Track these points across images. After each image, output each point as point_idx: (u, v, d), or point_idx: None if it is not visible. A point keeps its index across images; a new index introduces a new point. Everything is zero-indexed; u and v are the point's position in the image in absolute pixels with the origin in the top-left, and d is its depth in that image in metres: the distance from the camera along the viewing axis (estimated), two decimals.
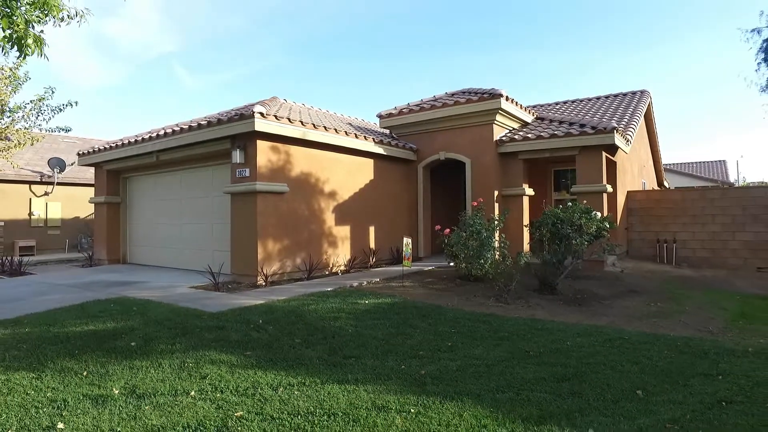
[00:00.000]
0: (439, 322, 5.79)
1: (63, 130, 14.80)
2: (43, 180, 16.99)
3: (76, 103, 13.49)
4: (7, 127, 12.32)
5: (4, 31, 3.16)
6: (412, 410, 3.41)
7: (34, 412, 3.37)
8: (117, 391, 3.71)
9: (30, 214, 16.98)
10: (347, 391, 3.75)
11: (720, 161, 35.66)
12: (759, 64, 10.12)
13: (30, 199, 16.95)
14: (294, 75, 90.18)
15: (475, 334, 5.36)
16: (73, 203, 18.05)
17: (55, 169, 17.10)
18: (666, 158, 53.81)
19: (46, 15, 3.85)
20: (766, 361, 4.42)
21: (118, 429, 3.15)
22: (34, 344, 4.75)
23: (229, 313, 5.97)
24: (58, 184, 17.36)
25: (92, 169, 16.61)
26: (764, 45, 9.73)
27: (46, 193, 17.29)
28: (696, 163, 35.60)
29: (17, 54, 3.42)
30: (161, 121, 76.88)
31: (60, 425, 3.19)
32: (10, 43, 3.31)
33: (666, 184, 22.37)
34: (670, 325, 6.14)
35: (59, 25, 4.24)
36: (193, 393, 3.71)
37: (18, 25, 3.54)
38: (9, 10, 3.21)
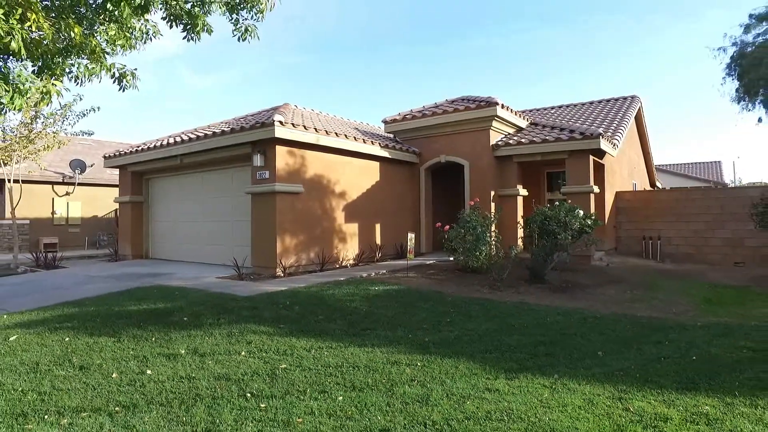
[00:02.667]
0: (439, 305, 6.73)
1: (86, 133, 15.80)
2: (65, 181, 17.96)
3: (99, 108, 14.45)
4: (40, 132, 13.26)
5: (108, 69, 4.08)
6: (419, 364, 4.36)
7: (125, 364, 4.33)
8: (183, 351, 4.67)
9: (53, 212, 17.98)
10: (366, 351, 4.70)
11: (715, 162, 36.34)
12: (724, 78, 11.06)
13: (53, 198, 17.95)
14: (293, 76, 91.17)
15: (470, 313, 6.31)
16: (92, 202, 19.05)
17: (76, 171, 18.08)
18: (665, 159, 54.62)
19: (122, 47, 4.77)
20: (708, 332, 5.36)
21: (192, 375, 4.10)
22: (104, 318, 5.71)
23: (258, 297, 6.92)
24: (79, 184, 18.33)
25: (109, 170, 17.65)
26: (729, 62, 10.66)
27: (68, 193, 18.27)
28: (691, 164, 36.25)
29: (118, 87, 4.33)
30: (166, 121, 77.69)
31: (148, 371, 4.15)
32: (114, 79, 4.22)
33: (658, 184, 23.20)
34: (640, 308, 7.07)
35: (126, 54, 5.17)
36: (243, 353, 4.66)
37: (99, 57, 4.46)
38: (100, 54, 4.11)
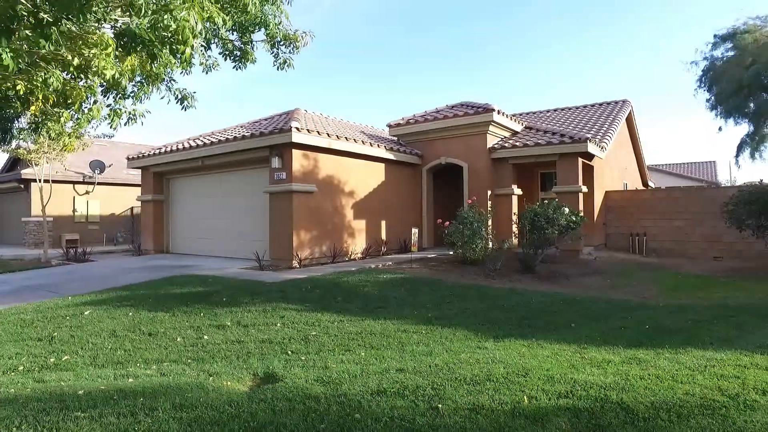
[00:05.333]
0: (440, 289, 7.73)
1: (107, 136, 16.82)
2: (85, 180, 18.97)
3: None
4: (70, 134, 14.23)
5: (170, 91, 5.06)
6: (423, 331, 5.36)
7: (184, 331, 5.34)
8: (229, 323, 5.67)
9: (74, 210, 18.99)
10: (380, 323, 5.70)
11: (710, 162, 37.06)
12: (696, 90, 12.06)
13: (74, 197, 18.96)
14: (294, 77, 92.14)
15: (466, 296, 7.30)
16: (109, 201, 20.06)
17: (96, 171, 19.07)
18: (663, 159, 55.51)
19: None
20: (666, 310, 6.36)
21: (241, 339, 5.11)
22: (155, 299, 6.72)
23: (282, 283, 7.91)
24: (98, 183, 19.33)
25: (125, 170, 18.71)
26: (701, 75, 11.67)
27: (87, 192, 19.27)
28: (687, 164, 36.96)
29: (180, 107, 5.30)
30: (167, 119, 78.64)
31: (205, 337, 5.15)
32: (177, 101, 5.18)
33: (651, 184, 24.12)
34: (616, 293, 8.06)
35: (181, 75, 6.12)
36: (278, 324, 5.66)
37: (163, 82, 5.43)
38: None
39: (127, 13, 3.02)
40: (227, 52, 4.88)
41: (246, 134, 11.03)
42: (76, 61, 3.19)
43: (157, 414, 2.90)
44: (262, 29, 4.59)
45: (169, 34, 2.91)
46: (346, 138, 11.41)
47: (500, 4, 64.52)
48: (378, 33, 75.76)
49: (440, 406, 3.04)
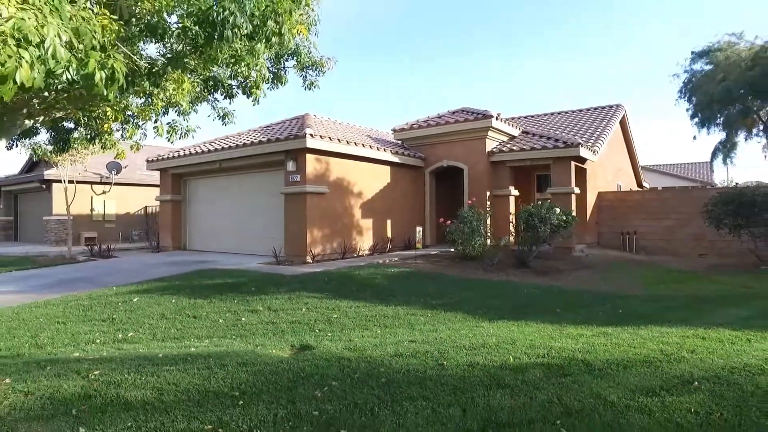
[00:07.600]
0: (443, 282, 8.60)
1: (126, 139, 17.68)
2: (102, 181, 19.86)
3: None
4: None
5: (214, 110, 5.91)
6: (429, 315, 6.24)
7: (223, 315, 6.22)
8: (260, 308, 6.55)
9: (92, 209, 19.89)
10: (391, 308, 6.58)
11: (705, 162, 37.74)
12: (677, 100, 12.94)
13: (92, 197, 19.85)
14: None
15: (467, 287, 8.17)
16: (125, 201, 20.96)
17: (113, 171, 19.91)
18: (663, 159, 56.23)
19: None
20: (642, 300, 7.24)
21: (273, 321, 5.98)
22: (191, 289, 7.60)
23: (301, 275, 8.79)
24: (114, 184, 20.21)
25: (140, 171, 19.62)
26: (681, 87, 12.55)
27: (104, 192, 20.15)
28: (683, 165, 37.65)
29: (221, 123, 6.15)
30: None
31: (242, 319, 6.03)
32: (219, 118, 6.02)
33: (646, 185, 24.92)
34: (601, 285, 8.91)
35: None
36: (303, 309, 6.53)
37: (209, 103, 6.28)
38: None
39: (208, 63, 3.88)
40: (263, 77, 5.73)
41: (263, 139, 11.90)
42: (162, 96, 4.06)
43: (227, 368, 3.78)
44: (294, 57, 5.46)
45: (243, 79, 3.74)
46: (355, 143, 12.28)
47: (503, 5, 65.33)
48: (382, 40, 76.60)
49: (445, 363, 3.91)
